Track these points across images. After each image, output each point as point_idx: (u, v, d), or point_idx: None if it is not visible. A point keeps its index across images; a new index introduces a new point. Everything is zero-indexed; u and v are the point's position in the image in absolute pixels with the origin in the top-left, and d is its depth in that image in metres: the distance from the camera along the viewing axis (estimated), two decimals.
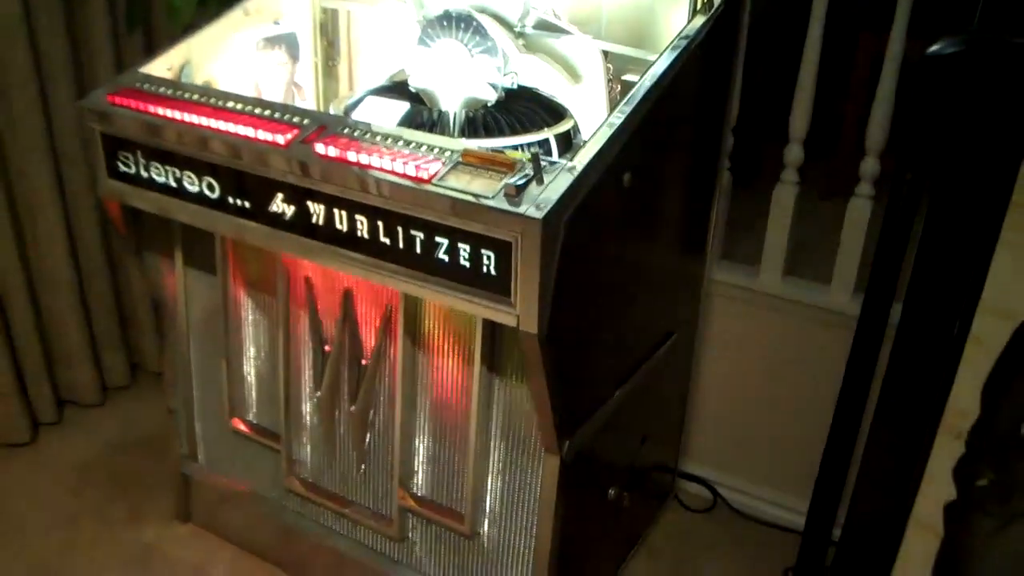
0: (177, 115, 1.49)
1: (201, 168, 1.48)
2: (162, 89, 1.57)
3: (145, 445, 2.27)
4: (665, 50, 1.50)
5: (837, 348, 1.84)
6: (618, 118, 1.33)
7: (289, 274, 1.66)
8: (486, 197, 1.23)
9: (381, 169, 1.31)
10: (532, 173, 1.24)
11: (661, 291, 1.77)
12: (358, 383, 1.64)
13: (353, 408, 1.66)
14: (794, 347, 1.97)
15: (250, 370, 1.82)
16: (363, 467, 1.72)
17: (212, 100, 1.51)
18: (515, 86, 1.68)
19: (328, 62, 2.01)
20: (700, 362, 2.09)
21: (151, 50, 2.11)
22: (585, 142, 1.29)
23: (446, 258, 1.29)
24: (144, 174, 1.56)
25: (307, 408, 1.76)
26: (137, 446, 2.27)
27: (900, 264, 1.49)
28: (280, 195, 1.41)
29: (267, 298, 1.74)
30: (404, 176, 1.29)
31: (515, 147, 1.59)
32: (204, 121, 1.46)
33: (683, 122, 1.60)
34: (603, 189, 1.31)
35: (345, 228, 1.37)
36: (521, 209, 1.20)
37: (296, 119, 1.43)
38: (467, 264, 1.28)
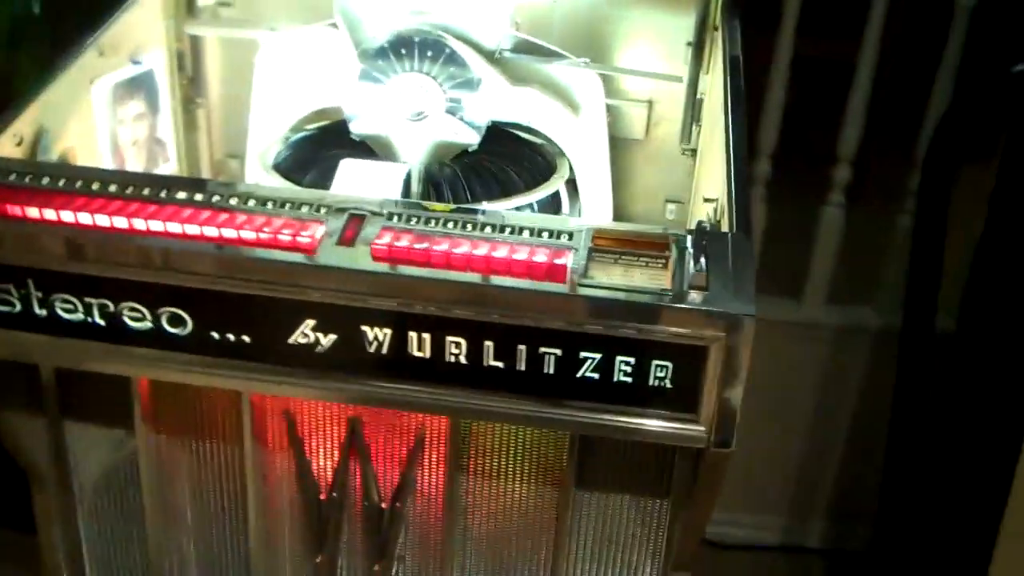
0: (105, 220, 0.99)
1: (158, 297, 1.00)
2: (45, 179, 1.04)
3: None
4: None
5: (812, 362, 1.78)
6: (735, 162, 1.10)
7: (255, 409, 1.21)
8: (665, 294, 0.94)
9: (488, 269, 0.95)
10: (694, 251, 0.97)
11: None
12: (382, 534, 1.25)
13: (377, 568, 1.26)
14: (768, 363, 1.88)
15: (189, 548, 1.32)
16: None
17: (149, 191, 1.02)
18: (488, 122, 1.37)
19: (188, 105, 1.51)
20: None
21: None
22: (735, 202, 1.04)
23: (595, 376, 0.97)
24: (40, 312, 1.03)
25: None
26: None
27: (940, 276, 1.44)
28: (310, 322, 0.99)
29: (212, 446, 1.26)
30: (528, 275, 0.95)
31: (527, 207, 1.29)
32: (159, 225, 0.98)
33: None
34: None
35: (427, 354, 0.99)
36: (723, 305, 0.93)
37: (304, 209, 1.01)
38: (628, 380, 0.97)
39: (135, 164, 1.39)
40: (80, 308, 1.02)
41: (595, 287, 0.94)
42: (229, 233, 0.97)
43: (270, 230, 0.97)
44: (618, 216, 1.53)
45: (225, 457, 1.25)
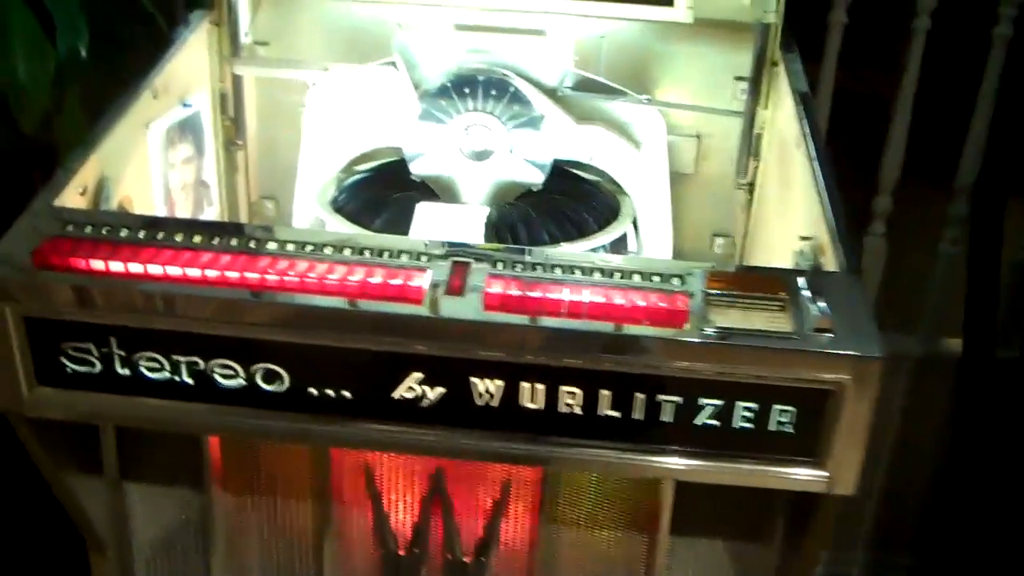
0: (196, 273, 0.94)
1: (253, 353, 0.95)
2: (124, 231, 0.98)
3: None
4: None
5: None
6: (832, 200, 1.08)
7: (332, 464, 1.16)
8: (790, 337, 0.92)
9: (606, 315, 0.92)
10: (811, 293, 0.95)
11: None
12: None
13: None
14: None
15: None
16: None
17: (238, 241, 0.97)
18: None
19: (229, 146, 1.46)
20: None
21: None
22: (839, 240, 1.02)
23: (714, 423, 0.95)
24: (123, 372, 0.97)
25: None
26: None
27: (997, 303, 1.44)
28: (417, 375, 0.95)
29: (286, 502, 1.20)
30: (647, 321, 0.92)
31: (600, 248, 1.27)
32: (256, 277, 0.93)
33: None
34: None
35: (540, 405, 0.95)
36: (850, 347, 0.91)
37: (404, 257, 0.97)
38: (748, 426, 0.95)
39: (184, 208, 1.34)
40: (167, 366, 0.96)
41: (717, 332, 0.92)
42: (332, 284, 0.93)
43: (377, 280, 0.93)
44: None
45: (299, 513, 1.20)
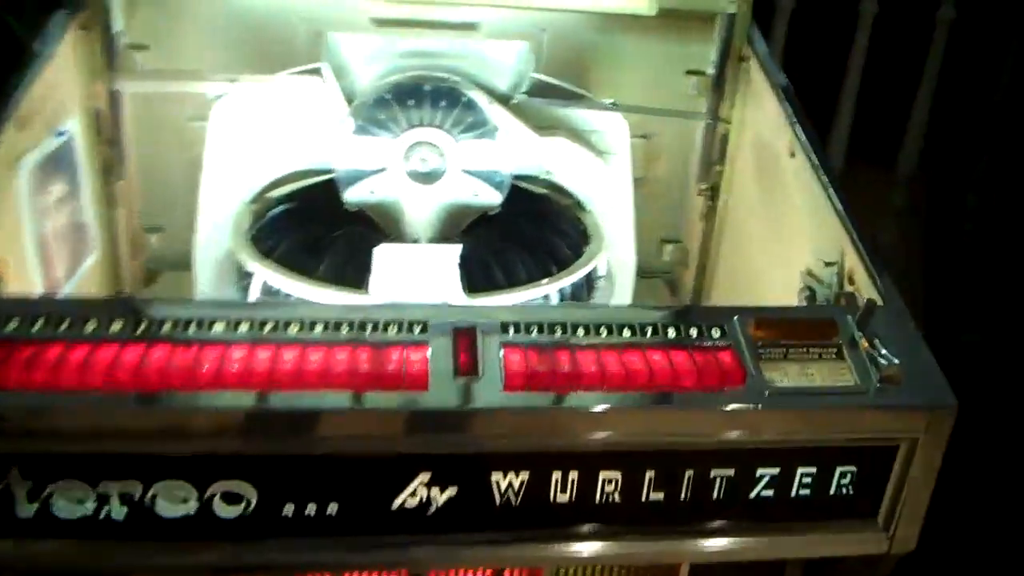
0: (126, 373, 0.71)
1: (211, 469, 0.73)
2: (13, 322, 0.74)
3: None
4: None
5: None
6: (851, 221, 0.97)
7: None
8: (858, 392, 0.79)
9: (651, 384, 0.77)
10: (868, 337, 0.83)
11: None
12: None
13: None
14: None
15: None
16: None
17: (171, 326, 0.75)
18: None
19: (107, 175, 1.20)
20: None
21: None
22: (875, 270, 0.90)
23: (768, 493, 0.82)
24: (24, 511, 0.73)
25: None
26: None
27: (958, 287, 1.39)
28: (423, 476, 0.76)
29: None
30: (699, 386, 0.77)
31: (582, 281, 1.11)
32: (212, 375, 0.72)
33: None
34: None
35: (571, 497, 0.79)
36: (923, 399, 0.80)
37: (392, 330, 0.78)
38: (807, 492, 0.82)
39: (61, 261, 1.07)
40: (91, 498, 0.73)
41: (780, 392, 0.78)
42: (312, 375, 0.73)
43: (365, 367, 0.74)
44: None
45: None
